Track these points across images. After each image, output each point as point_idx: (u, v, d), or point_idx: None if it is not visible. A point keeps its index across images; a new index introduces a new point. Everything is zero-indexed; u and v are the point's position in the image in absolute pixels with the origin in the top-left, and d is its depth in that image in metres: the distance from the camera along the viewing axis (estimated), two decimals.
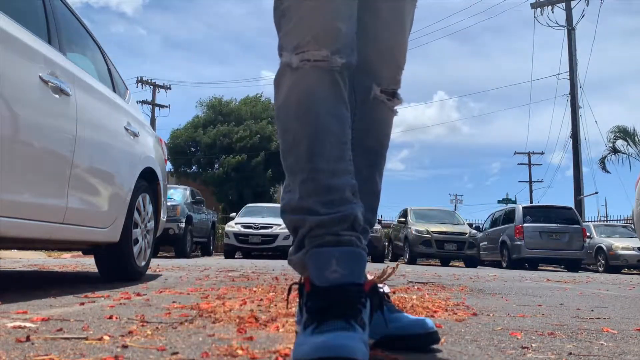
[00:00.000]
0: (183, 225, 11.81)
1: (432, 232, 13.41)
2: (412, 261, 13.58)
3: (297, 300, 1.12)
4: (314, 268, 1.09)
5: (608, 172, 21.66)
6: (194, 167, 26.68)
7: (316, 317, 1.01)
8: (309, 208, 1.13)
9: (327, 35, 1.15)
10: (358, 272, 1.08)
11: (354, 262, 1.09)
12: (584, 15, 19.11)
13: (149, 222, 3.78)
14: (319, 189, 1.13)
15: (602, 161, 21.60)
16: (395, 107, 1.44)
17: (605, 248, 13.43)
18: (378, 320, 1.17)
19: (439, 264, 14.57)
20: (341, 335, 0.94)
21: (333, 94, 1.16)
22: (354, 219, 1.13)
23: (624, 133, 21.27)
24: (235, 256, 13.36)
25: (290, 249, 1.20)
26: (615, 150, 21.39)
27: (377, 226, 14.44)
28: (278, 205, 16.28)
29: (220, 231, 16.60)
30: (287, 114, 1.18)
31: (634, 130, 21.13)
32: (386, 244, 15.36)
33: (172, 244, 11.93)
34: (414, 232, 13.56)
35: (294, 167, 1.17)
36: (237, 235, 13.06)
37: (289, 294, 1.20)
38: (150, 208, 3.79)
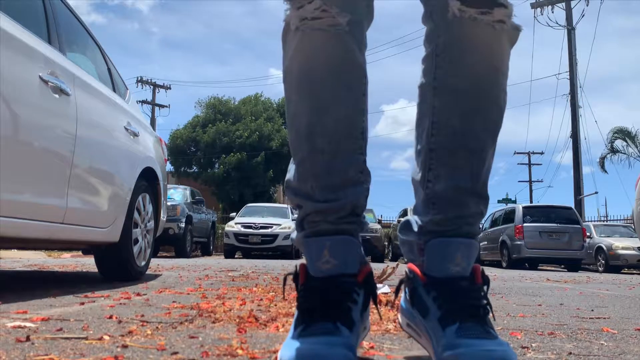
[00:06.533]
0: (183, 225, 11.82)
1: None
2: None
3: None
4: (307, 258, 1.07)
5: (606, 172, 21.75)
6: (194, 167, 26.69)
7: (305, 317, 1.00)
8: (307, 192, 1.07)
9: None
10: (351, 261, 1.05)
11: (347, 252, 1.05)
12: (583, 15, 19.13)
13: (149, 222, 3.78)
14: (317, 171, 1.05)
15: (602, 160, 21.64)
16: (501, 21, 1.00)
17: (605, 248, 13.43)
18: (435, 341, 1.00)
19: None
20: (322, 341, 0.93)
21: (340, 61, 1.03)
22: (353, 206, 1.06)
23: (623, 133, 21.31)
24: (235, 256, 13.37)
25: (294, 225, 1.16)
26: (614, 151, 21.43)
27: (377, 226, 14.45)
28: (278, 205, 16.33)
29: (220, 231, 16.61)
30: (289, 84, 1.07)
31: (635, 131, 21.17)
32: (386, 243, 15.37)
33: (172, 244, 11.95)
34: None
35: (294, 143, 1.08)
36: (237, 235, 13.06)
37: (284, 284, 1.18)
38: (150, 208, 3.79)
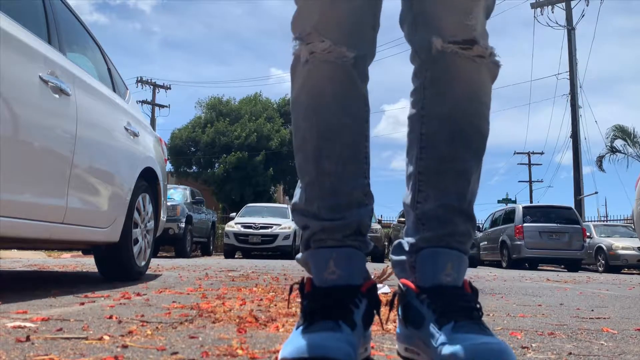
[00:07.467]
0: (183, 225, 11.82)
1: None
2: None
3: (300, 301, 1.12)
4: (313, 268, 1.10)
5: (604, 171, 21.74)
6: (194, 167, 26.69)
7: (307, 317, 1.02)
8: (314, 212, 1.12)
9: (327, 23, 1.08)
10: (356, 273, 1.08)
11: (351, 264, 1.09)
12: (584, 15, 19.15)
13: (149, 222, 3.78)
14: (324, 192, 1.11)
15: (600, 160, 21.63)
16: (480, 56, 1.11)
17: (605, 248, 13.43)
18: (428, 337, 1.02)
19: None
20: (325, 335, 0.95)
21: (345, 91, 1.11)
22: (358, 225, 1.12)
23: (623, 133, 21.26)
24: (235, 256, 13.36)
25: (300, 246, 1.19)
26: (613, 150, 21.39)
27: (377, 226, 14.44)
28: (278, 205, 16.32)
29: (220, 231, 16.61)
30: (297, 111, 1.14)
31: (634, 130, 21.13)
32: (386, 244, 15.36)
33: (172, 244, 11.95)
34: None
35: (302, 167, 1.15)
36: (237, 235, 13.06)
37: (290, 293, 1.20)
38: (150, 208, 3.79)
